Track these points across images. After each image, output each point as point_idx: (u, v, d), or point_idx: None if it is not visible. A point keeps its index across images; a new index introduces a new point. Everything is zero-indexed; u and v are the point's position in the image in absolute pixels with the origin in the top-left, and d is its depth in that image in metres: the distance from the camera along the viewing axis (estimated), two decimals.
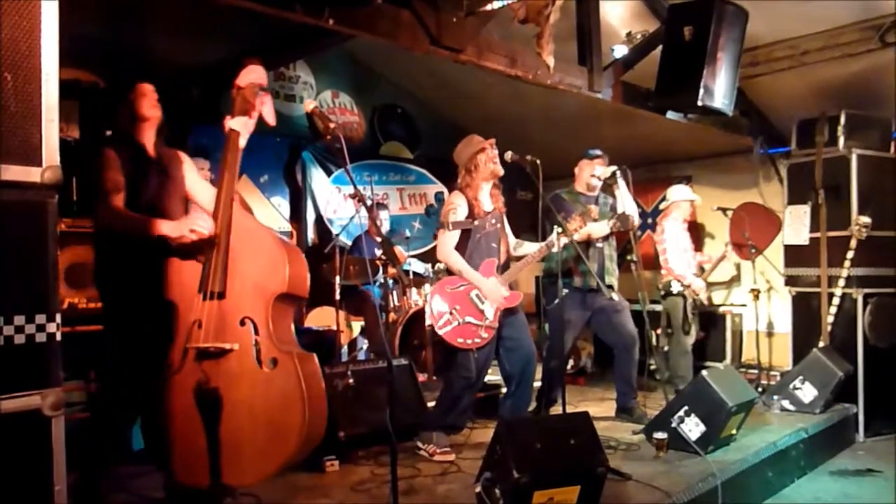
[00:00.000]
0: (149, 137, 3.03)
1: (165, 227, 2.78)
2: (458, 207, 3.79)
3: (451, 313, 3.71)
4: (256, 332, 2.77)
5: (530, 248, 4.06)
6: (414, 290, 5.69)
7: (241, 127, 2.99)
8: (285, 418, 2.68)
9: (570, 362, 6.17)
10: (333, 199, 6.61)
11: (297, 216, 6.40)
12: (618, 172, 4.47)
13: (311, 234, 6.45)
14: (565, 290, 4.43)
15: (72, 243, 3.85)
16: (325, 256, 5.34)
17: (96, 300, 3.90)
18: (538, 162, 3.76)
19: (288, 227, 6.30)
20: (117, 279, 2.85)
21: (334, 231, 6.35)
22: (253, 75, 3.00)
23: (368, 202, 5.86)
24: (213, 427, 2.67)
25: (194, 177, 3.16)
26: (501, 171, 3.85)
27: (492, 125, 7.42)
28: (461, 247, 3.80)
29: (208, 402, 2.69)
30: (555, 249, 3.92)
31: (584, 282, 4.50)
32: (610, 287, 4.55)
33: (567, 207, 4.50)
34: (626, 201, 4.45)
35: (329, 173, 6.59)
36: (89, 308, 3.86)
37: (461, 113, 7.21)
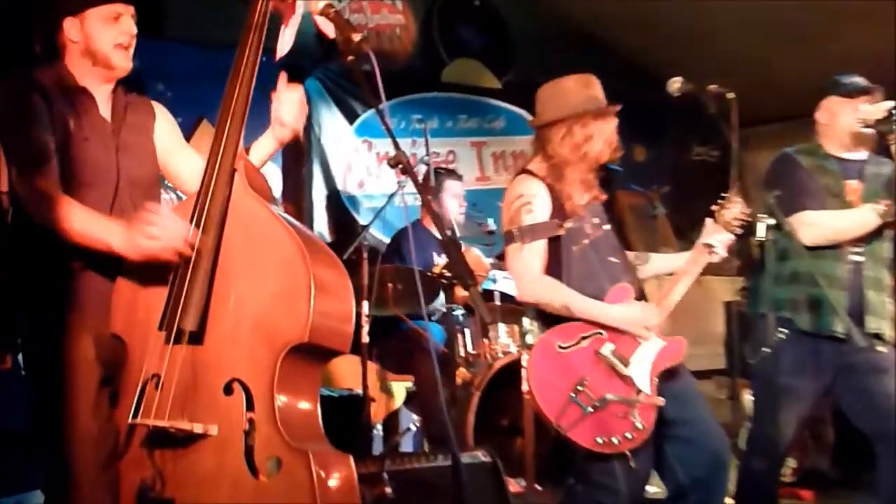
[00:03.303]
0: (104, 90, 3.18)
1: (115, 237, 2.90)
2: (533, 201, 3.82)
3: (575, 394, 3.66)
4: (251, 409, 2.79)
5: (669, 262, 4.14)
6: (502, 326, 5.66)
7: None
8: None
9: (791, 462, 6.09)
10: (359, 160, 6.71)
11: (295, 191, 6.52)
12: None
13: (320, 224, 6.57)
14: (783, 333, 4.40)
15: None
16: (345, 265, 5.33)
17: None
18: (731, 96, 3.75)
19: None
20: (41, 313, 3.02)
21: (360, 219, 6.47)
22: None
23: (421, 169, 5.88)
24: None
25: (171, 138, 3.34)
26: (615, 155, 3.93)
27: (645, 31, 7.45)
28: (552, 271, 3.82)
29: None
30: (716, 257, 3.91)
31: (819, 321, 4.41)
32: (876, 337, 4.44)
33: (803, 182, 4.47)
34: None
35: (352, 117, 6.70)
36: None
37: (587, 8, 7.21)
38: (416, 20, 7.19)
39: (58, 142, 3.00)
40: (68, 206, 2.91)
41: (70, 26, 3.10)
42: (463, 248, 5.75)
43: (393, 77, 6.87)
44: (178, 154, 3.32)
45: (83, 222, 2.91)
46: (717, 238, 3.86)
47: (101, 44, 3.09)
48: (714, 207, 3.89)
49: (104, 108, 3.16)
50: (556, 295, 3.74)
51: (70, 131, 3.03)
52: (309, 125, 6.52)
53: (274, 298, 2.84)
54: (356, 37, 2.88)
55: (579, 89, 3.88)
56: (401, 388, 5.86)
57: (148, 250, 2.85)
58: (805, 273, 4.30)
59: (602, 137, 3.83)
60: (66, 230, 2.91)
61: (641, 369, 3.72)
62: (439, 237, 5.48)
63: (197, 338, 2.84)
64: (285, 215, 3.07)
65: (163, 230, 2.83)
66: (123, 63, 3.13)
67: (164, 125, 3.32)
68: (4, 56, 4.85)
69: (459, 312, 5.53)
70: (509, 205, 3.89)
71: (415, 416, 5.82)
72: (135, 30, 3.14)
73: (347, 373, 5.52)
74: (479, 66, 7.39)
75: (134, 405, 2.85)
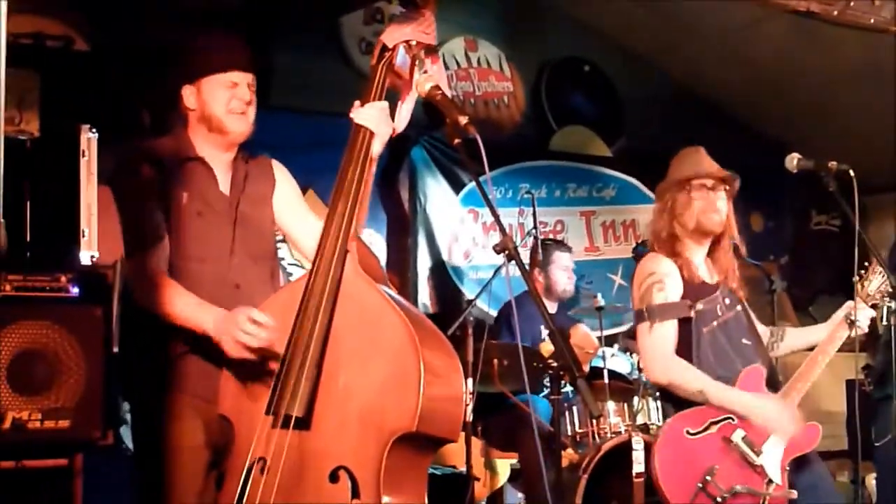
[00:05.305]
0: (223, 159, 3.25)
1: (210, 324, 2.94)
2: (665, 280, 3.86)
3: (703, 484, 3.61)
4: (356, 496, 2.75)
5: (807, 336, 4.13)
6: (611, 405, 5.63)
7: (377, 122, 3.04)
8: None
9: None
10: (465, 231, 6.72)
11: (399, 262, 6.54)
12: None
13: (424, 296, 6.58)
14: None
15: (21, 317, 3.98)
16: (450, 340, 5.32)
17: (57, 416, 4.07)
18: (851, 172, 3.76)
19: None
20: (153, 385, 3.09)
21: (465, 291, 6.45)
22: (408, 28, 3.05)
23: (526, 243, 5.94)
24: None
25: (290, 202, 3.36)
26: (719, 228, 3.96)
27: (761, 99, 7.29)
28: (682, 353, 3.82)
29: None
30: (857, 331, 3.88)
31: None
32: None
33: None
34: None
35: (458, 186, 6.73)
36: (45, 428, 4.00)
37: (703, 75, 7.23)
38: (525, 87, 7.21)
39: (169, 215, 3.08)
40: (171, 290, 2.98)
41: (188, 94, 3.20)
42: (571, 324, 5.78)
43: (500, 145, 6.83)
44: (296, 214, 3.34)
45: (183, 306, 2.98)
46: (861, 313, 3.88)
47: (216, 109, 3.16)
48: (855, 280, 3.91)
49: (223, 180, 3.21)
50: (691, 379, 3.75)
51: (182, 205, 3.09)
52: (414, 194, 6.58)
53: (382, 385, 2.81)
54: (462, 120, 2.83)
55: (677, 164, 4.02)
56: (505, 465, 5.85)
57: (238, 352, 2.88)
58: None
59: (700, 207, 3.89)
60: (166, 313, 2.97)
61: (773, 458, 3.71)
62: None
63: (304, 423, 2.82)
64: (396, 297, 3.04)
65: (253, 338, 2.84)
66: (238, 127, 3.18)
67: (284, 189, 3.35)
68: (115, 125, 4.98)
69: (568, 389, 5.49)
70: (640, 283, 3.93)
71: (520, 494, 5.77)
72: (249, 97, 3.19)
73: (451, 450, 5.45)
74: (588, 133, 7.39)
75: (239, 490, 2.84)
